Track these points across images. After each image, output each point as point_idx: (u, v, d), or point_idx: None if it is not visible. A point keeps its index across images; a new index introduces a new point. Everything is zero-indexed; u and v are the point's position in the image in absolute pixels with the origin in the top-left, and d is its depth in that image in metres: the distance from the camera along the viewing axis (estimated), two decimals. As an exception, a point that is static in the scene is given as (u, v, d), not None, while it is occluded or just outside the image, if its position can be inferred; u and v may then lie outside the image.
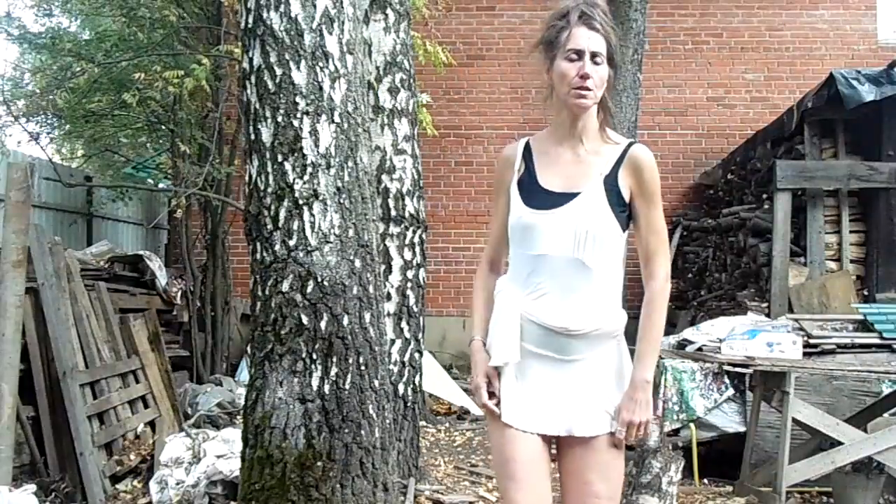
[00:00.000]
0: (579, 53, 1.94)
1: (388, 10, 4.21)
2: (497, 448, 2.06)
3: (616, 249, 2.02)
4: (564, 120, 2.03)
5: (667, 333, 6.38)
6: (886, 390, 4.61)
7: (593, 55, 1.95)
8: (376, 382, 3.02)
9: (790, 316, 5.31)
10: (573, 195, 2.00)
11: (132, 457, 4.67)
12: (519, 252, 2.05)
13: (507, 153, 2.12)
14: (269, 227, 2.96)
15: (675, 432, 4.81)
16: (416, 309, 4.22)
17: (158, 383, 5.29)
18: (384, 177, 4.18)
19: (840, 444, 4.12)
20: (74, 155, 11.70)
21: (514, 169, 2.08)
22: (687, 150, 9.24)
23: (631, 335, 2.03)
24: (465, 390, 7.10)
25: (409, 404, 4.16)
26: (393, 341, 4.09)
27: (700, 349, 5.04)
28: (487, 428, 2.26)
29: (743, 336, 4.84)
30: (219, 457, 3.95)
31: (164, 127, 7.49)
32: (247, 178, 3.08)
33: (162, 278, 6.59)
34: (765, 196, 6.27)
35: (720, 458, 4.83)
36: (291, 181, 2.94)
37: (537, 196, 2.03)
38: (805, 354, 4.74)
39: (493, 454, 2.12)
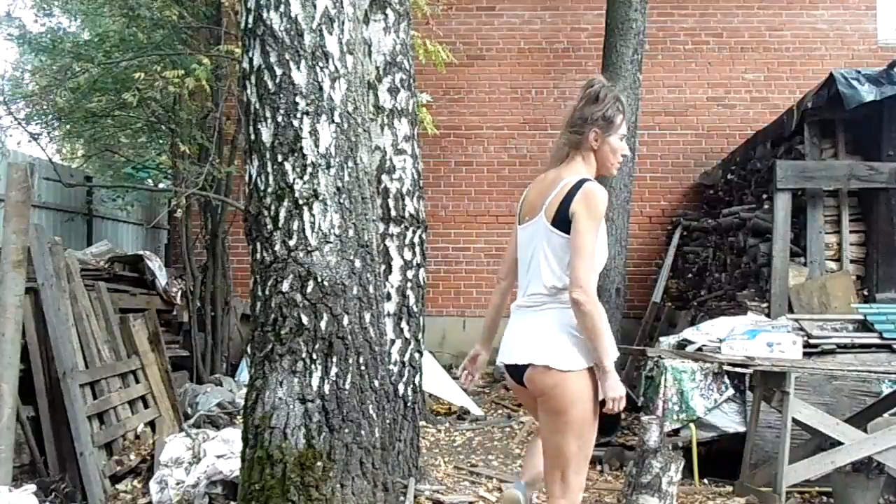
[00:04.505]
0: (623, 137, 2.65)
1: (388, 10, 4.20)
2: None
3: None
4: (591, 170, 2.61)
5: (667, 333, 6.41)
6: (886, 390, 4.61)
7: None
8: (376, 382, 3.02)
9: (790, 316, 5.31)
10: None
11: (132, 457, 4.66)
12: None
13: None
14: (269, 227, 2.96)
15: (675, 432, 4.81)
16: (416, 309, 4.22)
17: (158, 383, 5.28)
18: (384, 177, 4.17)
19: (840, 444, 4.12)
20: (74, 155, 11.67)
21: None
22: (687, 150, 9.23)
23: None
24: (466, 390, 7.09)
25: (409, 404, 4.16)
26: (393, 341, 4.09)
27: (700, 349, 5.04)
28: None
29: (743, 336, 4.84)
30: (219, 457, 3.95)
31: (164, 127, 7.48)
32: (247, 178, 3.08)
33: (162, 278, 6.58)
34: (765, 196, 6.26)
35: (720, 458, 4.83)
36: (291, 181, 2.94)
37: None
38: (805, 354, 4.74)
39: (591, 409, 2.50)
